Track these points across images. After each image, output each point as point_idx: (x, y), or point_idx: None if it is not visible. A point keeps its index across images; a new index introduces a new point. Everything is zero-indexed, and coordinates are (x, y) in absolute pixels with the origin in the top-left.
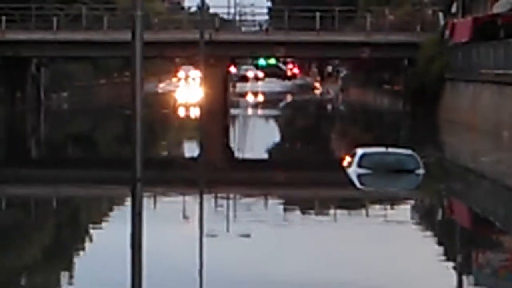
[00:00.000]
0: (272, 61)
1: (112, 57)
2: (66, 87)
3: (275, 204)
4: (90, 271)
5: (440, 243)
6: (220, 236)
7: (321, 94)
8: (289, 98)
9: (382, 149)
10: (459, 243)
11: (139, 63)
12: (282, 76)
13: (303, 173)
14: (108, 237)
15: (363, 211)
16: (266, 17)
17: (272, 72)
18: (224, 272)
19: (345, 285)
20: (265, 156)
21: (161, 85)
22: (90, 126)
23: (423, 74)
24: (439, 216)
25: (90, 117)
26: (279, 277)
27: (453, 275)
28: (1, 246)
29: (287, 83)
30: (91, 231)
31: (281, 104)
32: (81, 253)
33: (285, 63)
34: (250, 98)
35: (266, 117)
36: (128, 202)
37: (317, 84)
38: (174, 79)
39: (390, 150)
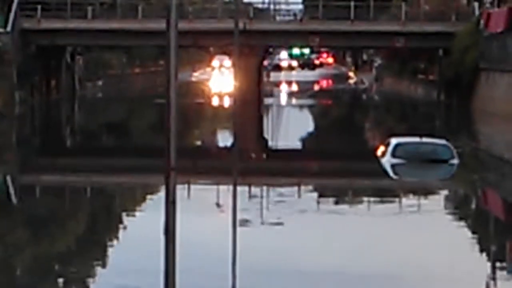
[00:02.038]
0: (306, 50)
1: (147, 46)
2: (100, 75)
3: (309, 194)
4: (124, 259)
5: (474, 233)
6: (253, 225)
7: (356, 83)
8: (322, 86)
9: (416, 139)
10: (493, 233)
11: (174, 52)
12: (315, 65)
13: (336, 163)
14: (142, 226)
15: (397, 201)
16: (301, 7)
17: (306, 62)
18: (257, 261)
19: (377, 275)
20: (298, 145)
21: (195, 74)
22: (125, 115)
23: (458, 64)
24: (473, 207)
25: (125, 106)
26: (311, 267)
27: (487, 265)
28: (37, 234)
29: (322, 72)
30: (125, 219)
31: (314, 93)
32: (115, 241)
33: (319, 53)
34: (284, 87)
35: (300, 107)
36: (162, 191)
37: (351, 74)
38: (208, 68)
39: (424, 140)
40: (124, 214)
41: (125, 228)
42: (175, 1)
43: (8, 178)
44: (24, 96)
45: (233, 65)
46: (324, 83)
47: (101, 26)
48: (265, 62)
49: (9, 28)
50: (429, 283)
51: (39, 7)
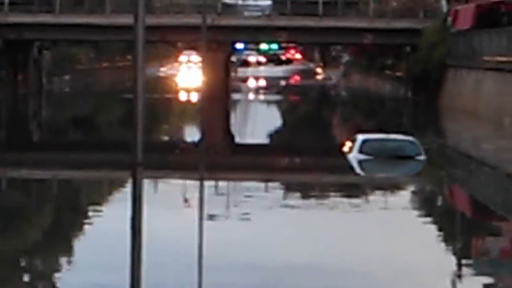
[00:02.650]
0: (274, 46)
1: (114, 40)
2: (68, 70)
3: (275, 189)
4: (89, 254)
5: (440, 230)
6: (220, 220)
7: (323, 79)
8: (290, 82)
9: (383, 135)
10: (459, 229)
11: (141, 47)
12: (282, 61)
13: (303, 158)
14: (108, 220)
15: (363, 197)
16: (269, 2)
17: (274, 57)
18: (224, 256)
19: (343, 270)
20: (266, 141)
21: (163, 69)
22: (92, 110)
23: (425, 61)
24: (440, 203)
25: (92, 101)
26: (277, 262)
27: (453, 261)
28: (2, 229)
29: (289, 68)
30: (91, 214)
31: (282, 89)
32: (81, 236)
33: (287, 49)
34: (251, 83)
35: (268, 102)
36: (129, 185)
37: (319, 70)
38: (176, 64)
39: (391, 136)
40: (90, 209)
41: (91, 223)
42: None
43: None
44: None
45: (201, 60)
46: (291, 79)
47: (68, 20)
48: (233, 58)
49: None
50: (395, 279)
51: (6, 1)
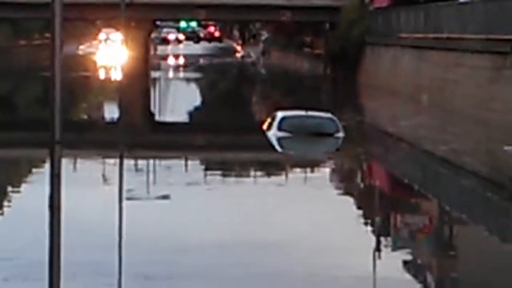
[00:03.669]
0: (194, 24)
1: (32, 18)
2: None
3: (195, 167)
4: (7, 233)
5: (358, 206)
6: (140, 198)
7: (243, 57)
8: (209, 61)
9: (302, 113)
10: (378, 206)
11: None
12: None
13: (223, 136)
14: (26, 199)
15: (283, 174)
16: None
17: (193, 35)
18: (143, 234)
19: (263, 247)
20: (185, 119)
21: (82, 47)
22: (9, 88)
23: (344, 38)
24: (358, 180)
25: (9, 79)
26: (197, 239)
27: (371, 238)
28: None
29: (209, 45)
30: (9, 193)
31: (201, 66)
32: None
33: (206, 26)
34: (171, 60)
35: (187, 80)
36: (47, 164)
37: (238, 47)
38: (95, 42)
39: (310, 113)
40: (8, 188)
41: (9, 201)
42: None
43: None
44: None
45: (121, 38)
46: (211, 57)
47: None
48: (152, 35)
49: None
50: (314, 255)
51: None
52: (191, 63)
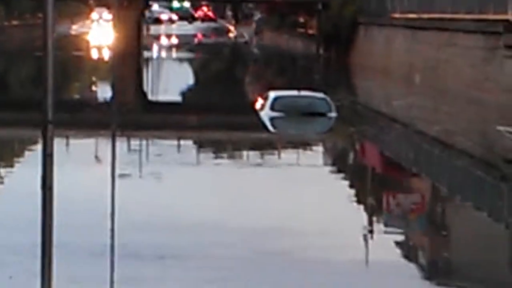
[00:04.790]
0: (186, 4)
1: None
2: None
3: (188, 147)
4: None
5: (351, 186)
6: (133, 178)
7: (235, 37)
8: (201, 40)
9: (294, 92)
10: (370, 186)
11: (51, 4)
12: (195, 18)
13: (216, 116)
14: (18, 179)
15: (276, 154)
16: None
17: (185, 15)
18: (136, 215)
19: (257, 227)
20: (178, 99)
21: (74, 27)
22: (2, 68)
23: (337, 18)
24: (351, 159)
25: (2, 59)
26: (190, 220)
27: (364, 217)
28: None
29: (202, 25)
30: (1, 172)
31: (194, 46)
32: None
33: (199, 6)
34: (164, 40)
35: (180, 60)
36: (39, 144)
37: (231, 27)
38: (87, 21)
39: (303, 93)
40: (0, 167)
41: (1, 182)
42: None
43: None
44: None
45: (113, 18)
46: (204, 37)
47: None
48: (145, 15)
49: None
50: (306, 235)
51: None
52: (184, 43)
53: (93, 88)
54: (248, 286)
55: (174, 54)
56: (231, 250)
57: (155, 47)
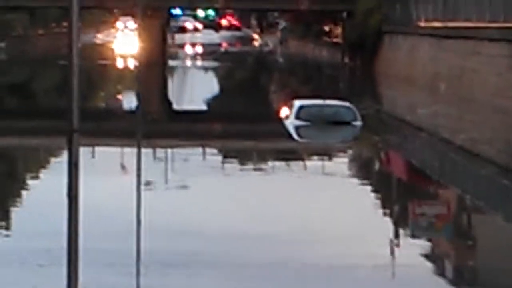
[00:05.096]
0: (211, 12)
1: (50, 7)
2: (3, 37)
3: (213, 156)
4: (26, 222)
5: (377, 195)
6: (158, 187)
7: (260, 46)
8: (226, 49)
9: (319, 101)
10: (396, 195)
11: (76, 13)
12: (220, 27)
13: (241, 125)
14: (44, 188)
15: (301, 163)
16: None
17: (211, 24)
18: (162, 223)
19: (283, 236)
20: (203, 107)
21: (99, 36)
22: (28, 77)
23: (362, 27)
24: (376, 168)
25: (28, 68)
26: (215, 229)
27: (390, 227)
28: None
29: (227, 34)
30: (28, 182)
31: (219, 55)
32: (18, 204)
33: (224, 15)
34: (189, 49)
35: (205, 69)
36: (65, 153)
37: (256, 36)
38: (112, 30)
39: (328, 102)
40: (27, 176)
41: (28, 190)
42: None
43: None
44: None
45: (138, 27)
46: (229, 46)
47: None
48: (170, 24)
49: None
50: (332, 244)
51: None
52: (209, 52)
53: (119, 97)
54: None
55: (199, 62)
56: (257, 258)
57: (180, 56)
